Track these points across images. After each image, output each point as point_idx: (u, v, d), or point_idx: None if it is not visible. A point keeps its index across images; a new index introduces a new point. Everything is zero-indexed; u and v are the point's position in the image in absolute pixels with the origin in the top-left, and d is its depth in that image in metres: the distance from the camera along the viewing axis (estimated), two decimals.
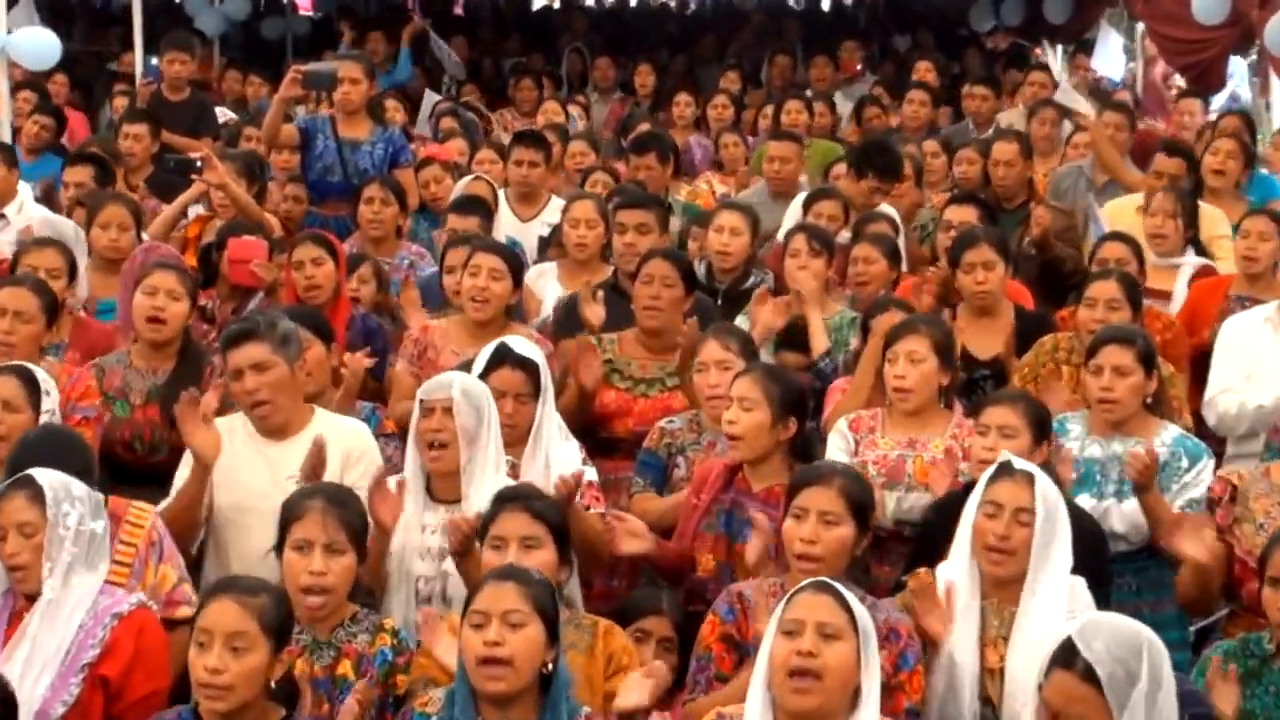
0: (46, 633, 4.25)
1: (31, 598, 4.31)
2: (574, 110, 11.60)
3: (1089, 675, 3.53)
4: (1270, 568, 4.35)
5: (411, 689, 4.30)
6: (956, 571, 4.50)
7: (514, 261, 6.36)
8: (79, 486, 4.41)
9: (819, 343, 6.37)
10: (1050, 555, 4.39)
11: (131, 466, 5.61)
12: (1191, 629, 5.46)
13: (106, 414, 5.69)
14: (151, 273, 5.92)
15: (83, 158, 8.34)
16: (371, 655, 4.33)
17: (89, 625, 4.28)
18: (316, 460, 4.95)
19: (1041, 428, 5.04)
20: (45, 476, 4.38)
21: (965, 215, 7.34)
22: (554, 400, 5.39)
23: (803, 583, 3.97)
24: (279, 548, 4.45)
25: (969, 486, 5.05)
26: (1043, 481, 4.45)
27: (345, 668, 4.31)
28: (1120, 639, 3.58)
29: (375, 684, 4.27)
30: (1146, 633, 3.63)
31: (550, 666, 3.95)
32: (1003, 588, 4.44)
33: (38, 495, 4.31)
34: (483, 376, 5.19)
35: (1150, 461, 5.12)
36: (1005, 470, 4.48)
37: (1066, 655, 3.58)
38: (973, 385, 6.18)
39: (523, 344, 5.38)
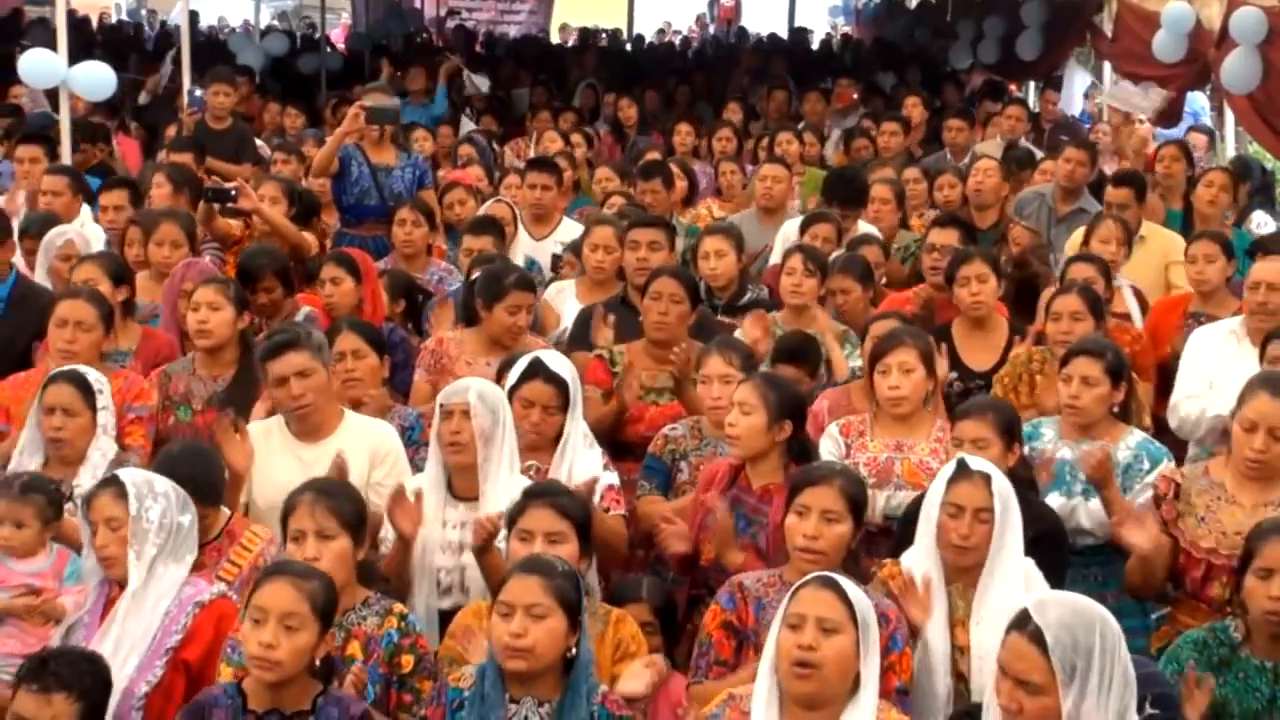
0: (133, 619, 4.30)
1: (123, 586, 4.37)
2: (576, 138, 11.62)
3: (1037, 638, 3.57)
4: (1255, 560, 4.35)
5: (423, 667, 4.31)
6: (921, 561, 4.54)
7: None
8: (163, 483, 4.46)
9: (841, 369, 6.43)
10: (1006, 542, 4.45)
11: None
12: (1153, 616, 5.50)
13: (164, 415, 5.76)
14: (196, 289, 6.04)
15: (118, 183, 8.37)
16: (379, 637, 4.31)
17: (173, 612, 4.32)
18: (338, 474, 4.97)
19: (1010, 433, 5.08)
20: (129, 475, 4.44)
21: (948, 238, 7.37)
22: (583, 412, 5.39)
23: (806, 578, 4.00)
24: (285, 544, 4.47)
25: None
26: (998, 479, 4.50)
27: (354, 648, 4.29)
28: (1074, 611, 3.63)
29: (381, 663, 4.28)
30: (1101, 611, 3.66)
31: (574, 650, 3.98)
32: (965, 573, 4.50)
33: (122, 492, 4.36)
34: (516, 386, 5.23)
35: (1103, 459, 5.15)
36: (963, 472, 4.51)
37: (1020, 620, 3.65)
38: (968, 395, 6.18)
39: (555, 359, 5.38)
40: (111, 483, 4.43)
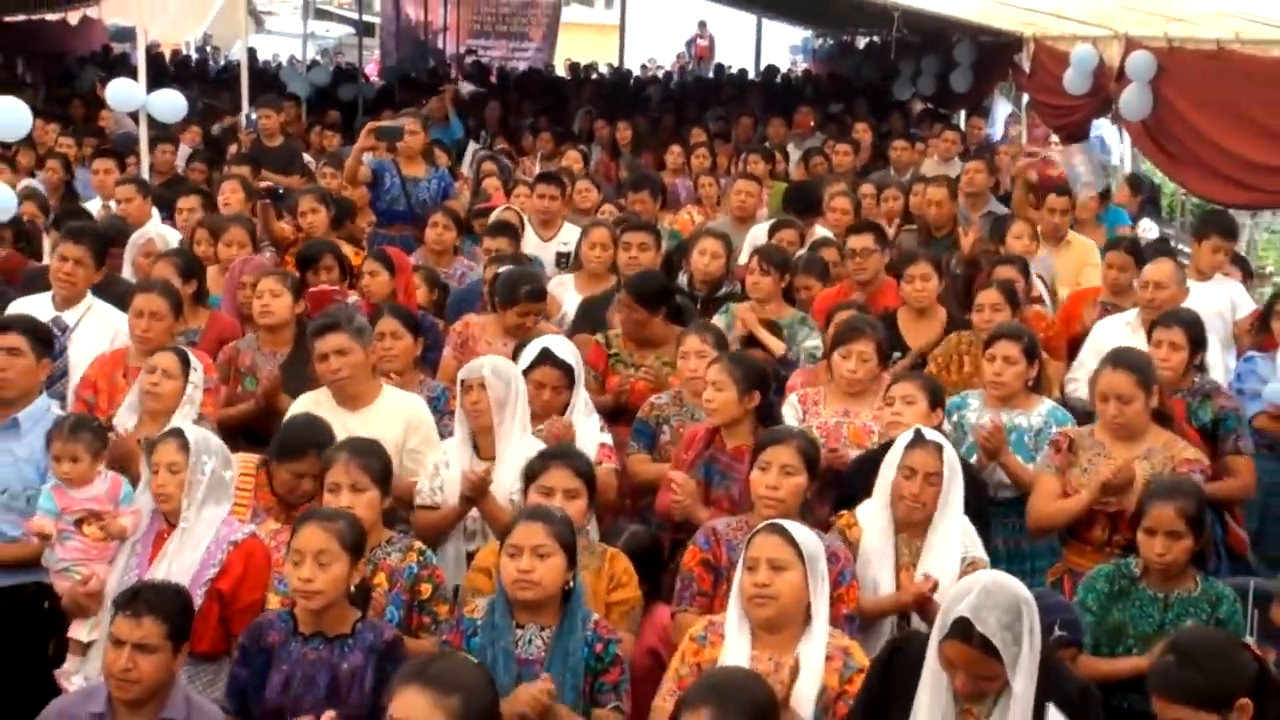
0: (180, 555, 4.32)
1: (171, 523, 4.40)
2: (575, 154, 11.62)
3: (985, 646, 3.40)
4: (1144, 520, 4.39)
5: (440, 594, 4.35)
6: (875, 513, 4.58)
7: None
8: (215, 441, 4.50)
9: (776, 348, 6.40)
10: (950, 503, 4.48)
11: (255, 429, 5.70)
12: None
13: (233, 383, 5.84)
14: (259, 279, 6.17)
15: (107, 153, 9.03)
16: (401, 569, 4.34)
17: (212, 549, 4.34)
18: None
19: (935, 396, 5.13)
20: (192, 432, 4.48)
21: (864, 242, 7.13)
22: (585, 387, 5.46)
23: (758, 526, 4.03)
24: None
25: (883, 446, 5.12)
26: (948, 449, 4.53)
27: (380, 578, 4.33)
28: (1006, 608, 3.40)
29: (404, 591, 4.29)
30: (1021, 591, 3.49)
31: (570, 584, 4.02)
32: (911, 526, 4.52)
33: (184, 444, 4.39)
34: (528, 370, 5.26)
35: (992, 431, 5.23)
36: (919, 440, 4.53)
37: (965, 630, 3.40)
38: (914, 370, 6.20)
39: (561, 345, 5.42)
40: (175, 435, 4.46)
